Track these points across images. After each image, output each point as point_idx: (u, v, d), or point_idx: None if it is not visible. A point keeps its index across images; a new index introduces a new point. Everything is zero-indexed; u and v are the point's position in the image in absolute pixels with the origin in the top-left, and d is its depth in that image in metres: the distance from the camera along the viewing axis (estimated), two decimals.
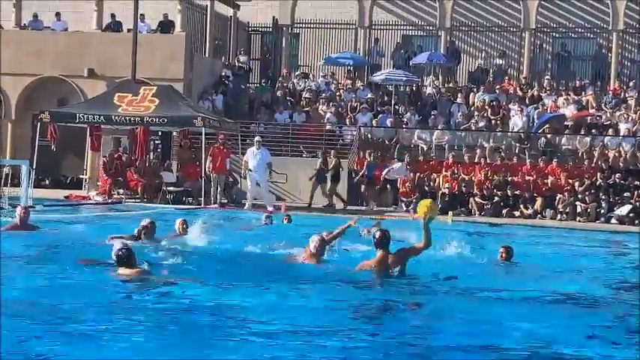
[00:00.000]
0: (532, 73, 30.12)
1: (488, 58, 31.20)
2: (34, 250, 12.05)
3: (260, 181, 23.14)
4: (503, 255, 12.50)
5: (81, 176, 26.26)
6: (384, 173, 24.66)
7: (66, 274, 10.01)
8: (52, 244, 12.68)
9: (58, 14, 29.62)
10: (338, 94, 29.53)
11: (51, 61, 27.75)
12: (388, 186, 24.79)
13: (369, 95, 28.82)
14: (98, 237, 12.90)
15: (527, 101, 27.89)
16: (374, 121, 27.47)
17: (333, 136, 27.43)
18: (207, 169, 23.20)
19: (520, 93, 28.64)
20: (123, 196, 23.80)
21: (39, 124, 23.84)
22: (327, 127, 27.41)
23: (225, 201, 23.75)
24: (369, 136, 27.02)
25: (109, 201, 23.10)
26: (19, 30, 29.08)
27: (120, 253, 9.42)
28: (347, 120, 27.65)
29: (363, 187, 24.97)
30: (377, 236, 10.12)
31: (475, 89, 29.10)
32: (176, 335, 7.20)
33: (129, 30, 27.29)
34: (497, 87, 28.79)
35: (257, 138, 23.93)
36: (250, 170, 23.12)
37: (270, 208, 22.19)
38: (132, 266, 9.39)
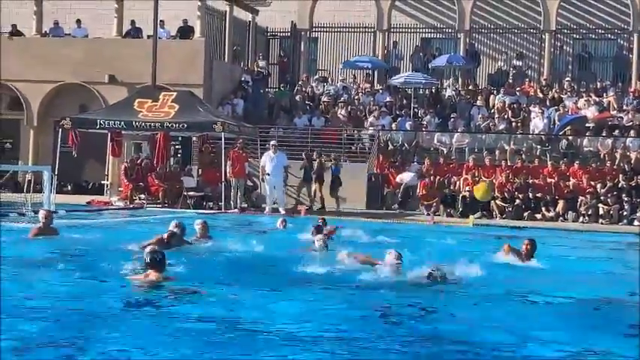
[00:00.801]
0: (552, 75, 29.97)
1: (508, 60, 31.09)
2: (58, 254, 12.08)
3: (276, 184, 23.18)
4: (528, 247, 12.51)
5: (102, 182, 26.39)
6: (397, 179, 24.64)
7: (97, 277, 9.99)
8: (74, 249, 12.73)
9: (78, 21, 29.85)
10: (357, 97, 29.51)
11: (72, 68, 27.91)
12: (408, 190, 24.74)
13: (388, 99, 28.78)
14: (121, 242, 12.94)
15: (547, 103, 27.76)
16: (393, 125, 27.43)
17: (352, 139, 27.42)
18: (226, 173, 23.26)
19: (541, 95, 28.52)
20: (144, 202, 23.88)
21: (60, 130, 23.99)
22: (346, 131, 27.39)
23: (246, 205, 23.79)
24: (388, 139, 26.95)
25: (131, 206, 23.19)
26: (40, 37, 29.29)
27: (154, 256, 9.39)
28: (366, 123, 27.63)
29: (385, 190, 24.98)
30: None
31: (495, 91, 29.00)
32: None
33: (149, 36, 27.44)
34: (518, 89, 28.67)
35: (273, 142, 23.98)
36: (268, 174, 23.17)
37: (282, 211, 22.27)
38: (161, 270, 9.38)
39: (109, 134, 24.46)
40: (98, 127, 23.63)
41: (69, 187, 26.76)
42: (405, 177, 24.68)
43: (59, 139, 23.92)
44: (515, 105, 27.47)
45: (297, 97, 29.47)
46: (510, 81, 29.43)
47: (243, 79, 30.29)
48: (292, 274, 10.85)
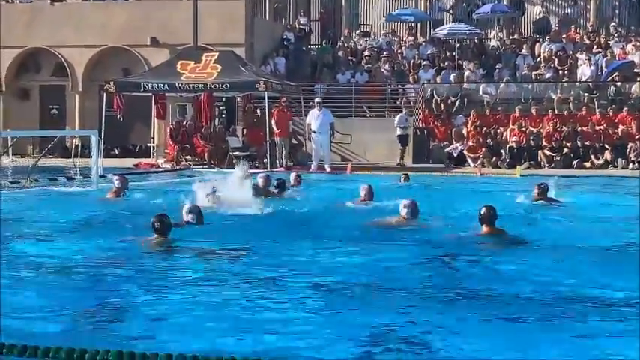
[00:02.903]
0: (599, 21, 29.34)
1: (552, 7, 30.47)
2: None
3: (323, 141, 23.12)
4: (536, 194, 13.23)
5: (148, 144, 26.59)
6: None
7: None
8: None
9: None
10: (400, 51, 29.22)
11: (114, 32, 28.03)
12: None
13: (432, 51, 28.44)
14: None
15: (594, 49, 27.22)
16: (437, 78, 27.15)
17: (396, 94, 27.21)
18: (271, 132, 23.27)
19: (587, 41, 27.95)
20: (190, 163, 24.04)
21: (105, 94, 24.17)
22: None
23: (291, 164, 23.81)
24: (432, 93, 26.70)
25: (177, 168, 23.36)
26: (81, 2, 29.43)
27: (161, 219, 9.30)
28: (410, 77, 27.38)
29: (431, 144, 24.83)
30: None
31: (540, 39, 28.49)
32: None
33: None
34: (564, 36, 28.13)
35: (317, 99, 23.87)
36: (314, 132, 23.11)
37: (328, 169, 22.27)
38: (166, 235, 9.39)
39: (153, 97, 24.58)
40: (142, 90, 23.76)
41: (116, 151, 27.03)
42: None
43: (104, 103, 24.11)
44: (561, 53, 26.98)
45: (340, 53, 29.27)
46: (556, 28, 28.86)
47: (284, 36, 30.15)
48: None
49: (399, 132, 24.31)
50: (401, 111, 25.12)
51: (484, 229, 9.71)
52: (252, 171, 16.95)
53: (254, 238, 10.07)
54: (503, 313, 6.66)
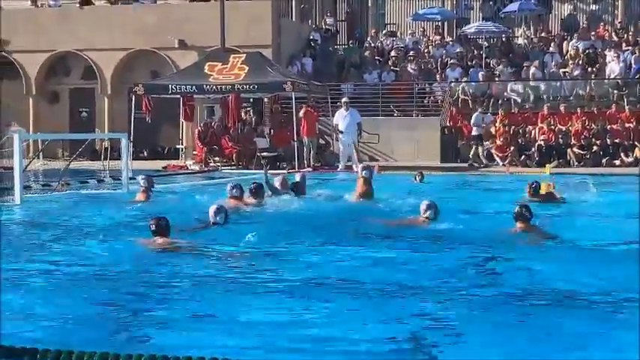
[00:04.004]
0: (628, 17, 29.10)
1: (581, 4, 30.28)
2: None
3: (350, 142, 23.13)
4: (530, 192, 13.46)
5: (177, 146, 26.74)
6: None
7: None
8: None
9: None
10: (426, 50, 29.17)
11: (142, 35, 28.21)
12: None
13: (459, 50, 28.35)
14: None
15: (623, 46, 27.00)
16: (465, 79, 27.05)
17: (423, 93, 27.16)
18: (298, 133, 23.32)
19: (616, 38, 27.74)
20: (219, 164, 24.15)
21: (133, 96, 24.35)
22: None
23: (319, 164, 23.85)
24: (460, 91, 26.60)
25: (206, 169, 23.47)
26: (110, 6, 29.64)
27: (159, 222, 9.29)
28: (437, 76, 27.32)
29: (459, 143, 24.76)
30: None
31: (568, 37, 28.32)
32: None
33: None
34: (592, 33, 27.94)
35: (344, 99, 23.87)
36: (341, 132, 23.12)
37: (356, 169, 22.24)
38: (167, 236, 9.36)
39: (181, 99, 24.72)
40: (170, 92, 23.91)
41: (145, 153, 27.20)
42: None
43: (133, 106, 24.29)
44: (589, 50, 26.80)
45: (367, 53, 29.27)
46: (584, 25, 28.67)
47: (311, 37, 30.20)
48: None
49: (475, 131, 24.14)
50: (430, 110, 25.07)
51: (518, 225, 9.89)
52: (273, 171, 17.08)
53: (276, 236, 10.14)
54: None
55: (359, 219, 11.78)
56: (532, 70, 26.20)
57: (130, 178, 17.28)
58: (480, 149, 23.86)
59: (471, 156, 24.01)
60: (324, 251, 9.44)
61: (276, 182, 14.40)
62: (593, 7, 29.89)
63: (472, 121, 24.24)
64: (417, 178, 17.87)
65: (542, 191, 13.89)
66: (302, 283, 7.73)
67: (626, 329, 6.08)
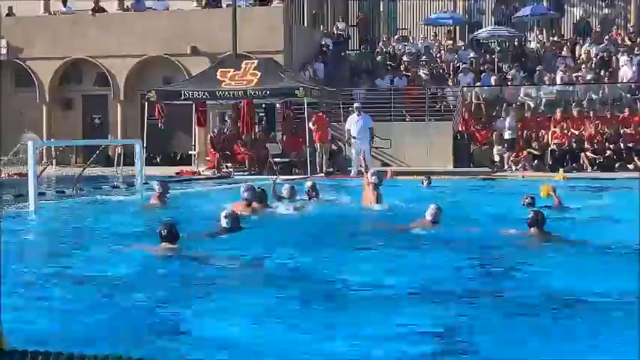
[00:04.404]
0: None
1: (593, 8, 30.21)
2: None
3: (363, 146, 23.09)
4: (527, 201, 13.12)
5: (190, 152, 26.78)
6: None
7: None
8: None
9: None
10: (439, 55, 29.15)
11: (154, 41, 28.31)
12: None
13: (472, 55, 28.31)
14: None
15: (636, 50, 26.91)
16: (477, 82, 27.02)
17: (435, 98, 27.14)
18: (311, 138, 23.32)
19: (629, 42, 27.66)
20: (231, 170, 24.17)
21: (146, 103, 24.42)
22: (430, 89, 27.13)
23: (331, 169, 23.84)
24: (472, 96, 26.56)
25: (219, 175, 23.50)
26: (122, 12, 29.75)
27: (169, 228, 9.27)
28: (449, 81, 27.29)
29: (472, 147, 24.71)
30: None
31: (581, 41, 28.25)
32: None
33: (228, 5, 27.56)
34: (605, 37, 27.86)
35: (356, 104, 23.83)
36: (354, 137, 23.11)
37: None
38: (175, 242, 9.33)
39: (194, 105, 24.77)
40: (182, 98, 23.94)
41: (158, 159, 27.26)
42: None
43: (146, 112, 24.36)
44: (602, 54, 26.72)
45: (378, 58, 29.28)
46: (597, 29, 28.61)
47: (323, 42, 30.22)
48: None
49: (507, 135, 24.01)
50: (443, 115, 25.03)
51: (531, 231, 10.01)
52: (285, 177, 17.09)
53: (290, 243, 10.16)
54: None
55: (364, 224, 11.81)
56: (559, 74, 26.00)
57: (144, 184, 17.34)
58: (508, 154, 23.56)
59: (497, 160, 23.89)
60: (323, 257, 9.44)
61: (284, 191, 14.36)
62: (606, 10, 29.81)
63: (506, 125, 23.91)
64: (424, 183, 17.83)
65: (543, 195, 13.74)
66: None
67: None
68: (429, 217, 11.12)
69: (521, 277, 8.31)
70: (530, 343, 6.00)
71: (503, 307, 6.99)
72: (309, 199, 14.35)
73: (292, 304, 7.20)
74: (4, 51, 29.42)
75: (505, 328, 6.39)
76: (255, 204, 12.93)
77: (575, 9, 30.78)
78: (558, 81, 26.20)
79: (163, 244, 9.23)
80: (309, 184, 15.03)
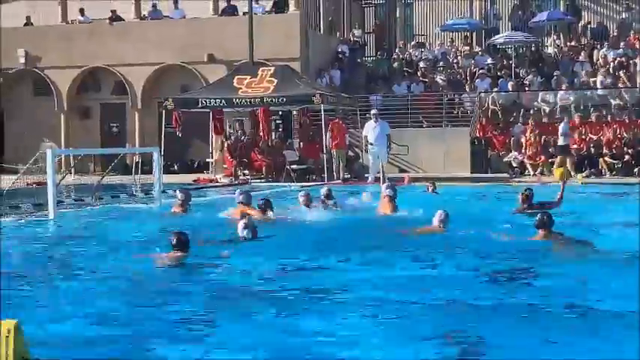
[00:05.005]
0: None
1: (611, 13, 30.07)
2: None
3: (380, 153, 23.07)
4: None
5: (207, 160, 26.84)
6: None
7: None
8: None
9: (175, 2, 30.27)
10: (455, 61, 29.11)
11: (172, 50, 28.43)
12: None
13: (489, 61, 28.23)
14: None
15: None
16: (494, 87, 26.94)
17: (452, 104, 27.09)
18: (327, 145, 23.34)
19: None
20: (248, 177, 24.21)
21: (164, 111, 24.50)
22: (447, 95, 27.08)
23: (348, 176, 23.83)
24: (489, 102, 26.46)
25: (236, 182, 23.53)
26: (139, 21, 29.89)
27: (180, 237, 9.24)
28: (466, 87, 27.25)
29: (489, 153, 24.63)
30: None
31: (598, 46, 28.13)
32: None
33: (244, 13, 27.64)
34: (622, 42, 27.73)
35: (373, 111, 23.81)
36: (371, 144, 23.08)
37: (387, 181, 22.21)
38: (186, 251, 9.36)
39: (211, 112, 24.83)
40: (200, 106, 24.02)
41: (175, 167, 27.34)
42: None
43: (163, 120, 24.45)
44: (621, 58, 26.60)
45: (395, 65, 29.27)
46: (614, 34, 28.48)
47: (339, 49, 30.25)
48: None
49: (561, 141, 23.79)
50: (460, 121, 24.97)
51: (540, 233, 10.03)
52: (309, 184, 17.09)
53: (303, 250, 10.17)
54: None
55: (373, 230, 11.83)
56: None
57: (162, 192, 17.38)
58: (569, 160, 23.26)
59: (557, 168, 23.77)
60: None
61: (300, 198, 14.31)
62: (624, 15, 29.66)
63: (560, 131, 23.66)
64: (429, 189, 17.71)
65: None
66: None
67: None
68: (436, 222, 11.22)
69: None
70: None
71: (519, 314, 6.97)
72: (325, 205, 14.36)
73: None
74: (22, 60, 29.64)
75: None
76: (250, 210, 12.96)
77: (592, 14, 30.64)
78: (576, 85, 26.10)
79: (172, 252, 9.23)
80: (324, 190, 15.03)
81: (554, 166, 21.98)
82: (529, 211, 12.81)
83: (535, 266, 9.00)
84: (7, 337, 4.89)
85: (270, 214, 12.93)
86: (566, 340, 6.16)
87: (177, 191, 14.95)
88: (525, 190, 13.35)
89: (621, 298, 7.24)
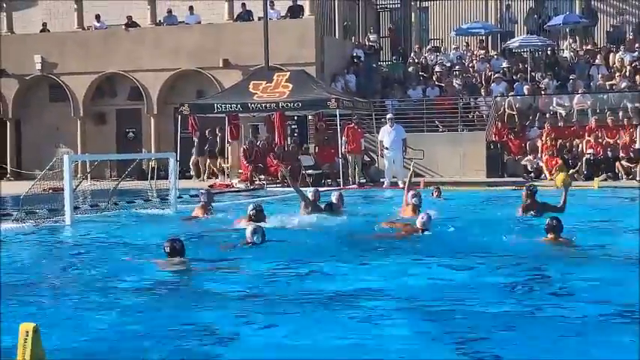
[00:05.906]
0: None
1: (627, 16, 29.94)
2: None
3: (395, 158, 23.04)
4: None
5: (223, 165, 26.88)
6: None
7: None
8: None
9: (191, 8, 30.36)
10: (471, 65, 29.05)
11: (187, 55, 28.51)
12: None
13: (505, 64, 28.15)
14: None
15: None
16: (510, 94, 26.84)
17: (468, 108, 27.03)
18: (343, 149, 23.33)
19: None
20: (264, 182, 24.22)
21: (179, 116, 24.57)
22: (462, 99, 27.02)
23: (364, 180, 23.81)
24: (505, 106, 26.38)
25: (252, 187, 23.55)
26: (155, 27, 30.00)
27: (174, 244, 9.26)
28: (482, 91, 27.18)
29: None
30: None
31: (614, 49, 28.00)
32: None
33: (259, 18, 27.70)
34: (638, 45, 27.59)
35: (389, 115, 23.81)
36: (386, 148, 23.06)
37: (402, 185, 22.14)
38: (182, 256, 9.36)
39: (227, 118, 24.88)
40: (215, 111, 24.06)
41: (191, 172, 27.39)
42: None
43: (179, 125, 24.51)
44: (636, 62, 26.47)
45: (410, 69, 29.24)
46: (631, 37, 28.36)
47: (354, 54, 30.25)
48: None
49: (638, 145, 23.61)
50: (475, 125, 24.91)
51: (549, 236, 10.10)
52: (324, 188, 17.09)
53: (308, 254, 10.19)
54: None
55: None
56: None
57: (178, 198, 17.41)
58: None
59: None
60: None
61: (310, 194, 14.32)
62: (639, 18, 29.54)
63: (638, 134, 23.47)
64: (435, 194, 17.57)
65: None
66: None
67: None
68: (419, 224, 11.35)
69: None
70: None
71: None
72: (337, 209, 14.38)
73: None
74: (38, 66, 29.80)
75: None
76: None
77: (608, 17, 30.51)
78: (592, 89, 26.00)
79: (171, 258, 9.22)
80: (335, 195, 15.02)
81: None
82: (533, 211, 12.89)
83: (538, 271, 8.98)
84: (26, 339, 4.98)
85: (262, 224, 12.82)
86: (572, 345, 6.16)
87: (200, 192, 14.99)
88: (529, 187, 13.33)
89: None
